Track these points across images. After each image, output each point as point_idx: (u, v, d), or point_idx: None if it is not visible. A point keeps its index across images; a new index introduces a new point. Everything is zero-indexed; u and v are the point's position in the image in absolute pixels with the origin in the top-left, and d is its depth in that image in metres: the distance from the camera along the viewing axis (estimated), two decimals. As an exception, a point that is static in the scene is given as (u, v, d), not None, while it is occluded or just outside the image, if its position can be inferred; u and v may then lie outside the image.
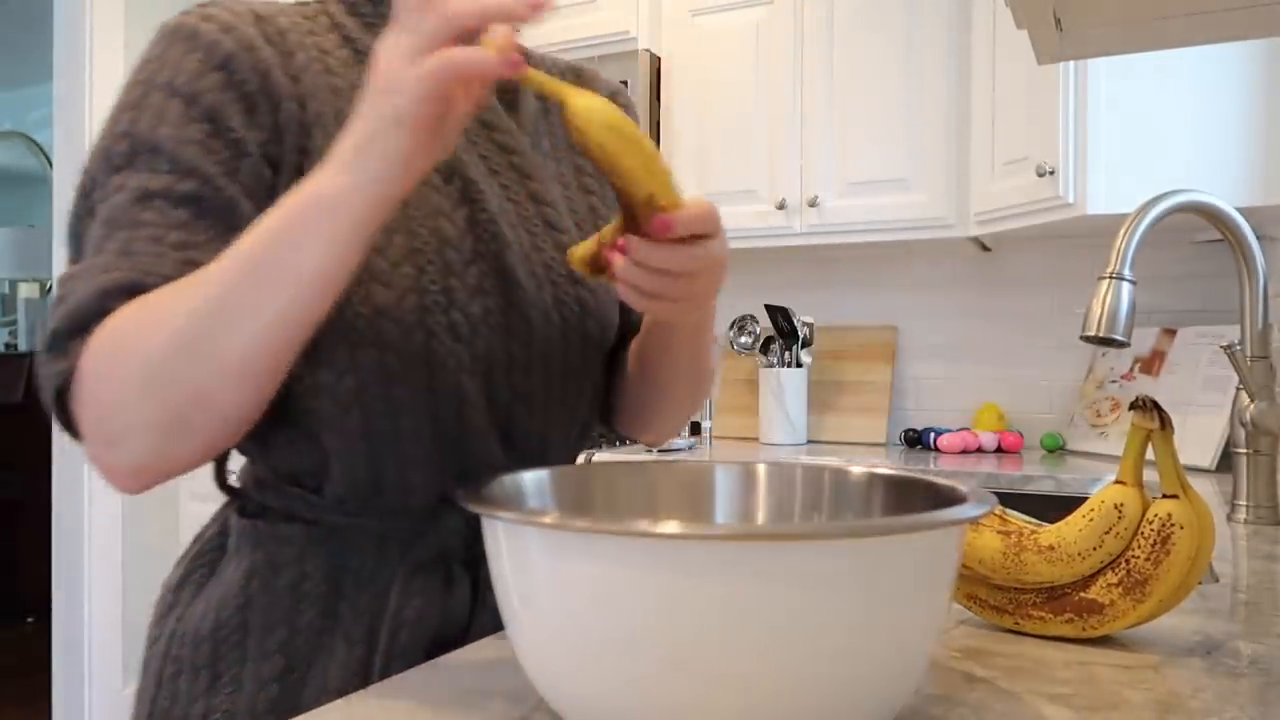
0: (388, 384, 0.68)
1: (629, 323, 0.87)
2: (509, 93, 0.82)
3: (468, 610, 0.71)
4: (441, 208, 0.70)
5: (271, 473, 0.73)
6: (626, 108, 0.89)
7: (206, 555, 0.75)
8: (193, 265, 0.61)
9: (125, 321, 0.58)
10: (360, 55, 0.73)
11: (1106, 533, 0.62)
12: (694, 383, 0.82)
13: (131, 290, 0.60)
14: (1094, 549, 0.62)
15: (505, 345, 0.72)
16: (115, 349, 0.58)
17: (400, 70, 0.52)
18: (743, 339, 2.59)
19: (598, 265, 0.62)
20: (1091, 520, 0.62)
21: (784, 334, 2.50)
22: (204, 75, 0.66)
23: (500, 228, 0.73)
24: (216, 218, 0.64)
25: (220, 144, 0.65)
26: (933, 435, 2.37)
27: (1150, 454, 2.09)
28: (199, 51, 0.66)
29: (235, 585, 0.70)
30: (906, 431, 2.44)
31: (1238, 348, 1.21)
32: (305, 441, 0.70)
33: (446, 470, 0.71)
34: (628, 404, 0.87)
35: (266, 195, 0.66)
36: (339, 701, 0.52)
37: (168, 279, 0.60)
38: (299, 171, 0.67)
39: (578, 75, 0.89)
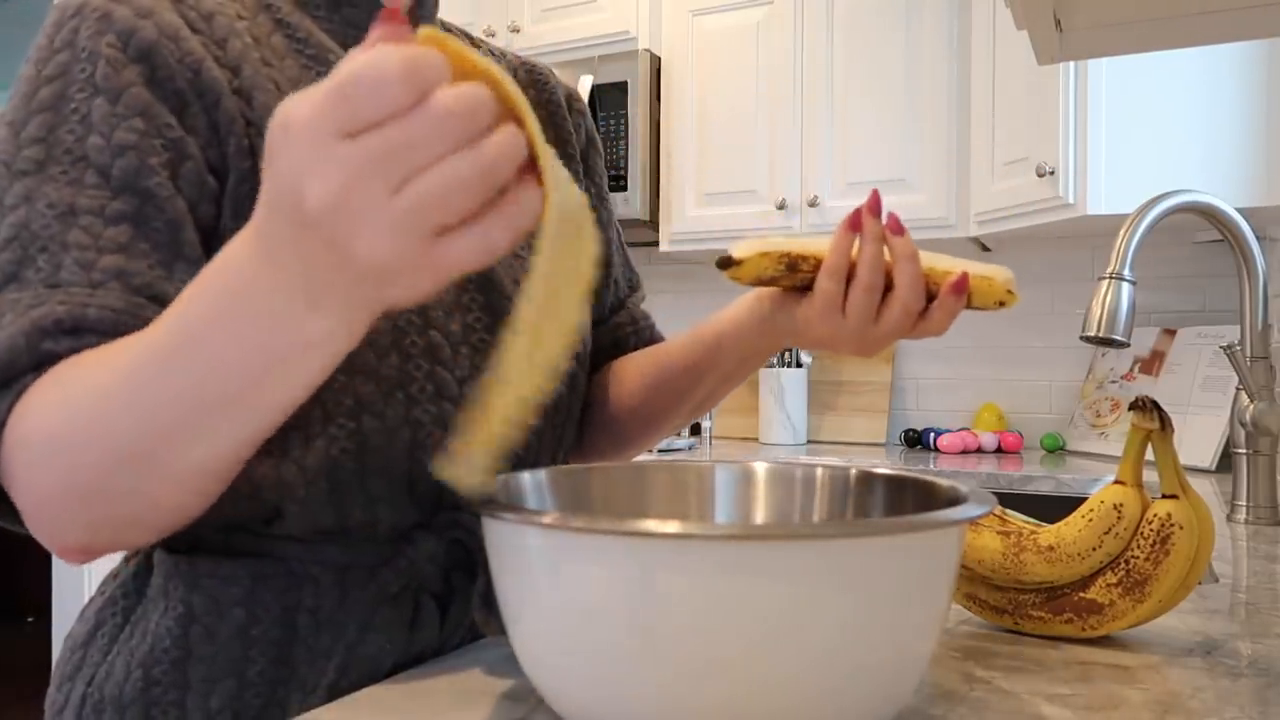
0: (357, 414, 0.59)
1: (617, 349, 0.84)
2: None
3: (432, 651, 0.63)
4: None
5: (207, 516, 0.60)
6: (580, 113, 0.85)
7: (120, 601, 0.64)
8: (139, 296, 0.53)
9: (69, 396, 0.48)
10: (297, 44, 0.64)
11: (1106, 533, 0.62)
12: (690, 417, 0.80)
13: (74, 329, 0.50)
14: (1093, 549, 0.62)
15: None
16: (57, 434, 0.48)
17: (387, 239, 0.37)
18: (743, 339, 2.59)
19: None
20: (1091, 520, 0.62)
21: (784, 334, 2.50)
22: (123, 68, 0.56)
23: None
24: (159, 239, 0.55)
25: (158, 144, 0.56)
26: (932, 435, 2.37)
27: (1150, 454, 2.09)
28: (110, 34, 0.56)
29: (169, 634, 0.59)
30: (906, 432, 2.44)
31: (1238, 348, 1.21)
32: (250, 488, 0.59)
33: (422, 502, 0.64)
34: (597, 433, 0.82)
35: (212, 206, 0.58)
36: (337, 703, 0.52)
37: (114, 312, 0.51)
38: (249, 179, 0.58)
39: (530, 72, 0.82)
